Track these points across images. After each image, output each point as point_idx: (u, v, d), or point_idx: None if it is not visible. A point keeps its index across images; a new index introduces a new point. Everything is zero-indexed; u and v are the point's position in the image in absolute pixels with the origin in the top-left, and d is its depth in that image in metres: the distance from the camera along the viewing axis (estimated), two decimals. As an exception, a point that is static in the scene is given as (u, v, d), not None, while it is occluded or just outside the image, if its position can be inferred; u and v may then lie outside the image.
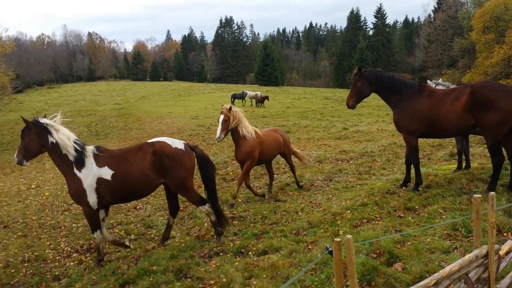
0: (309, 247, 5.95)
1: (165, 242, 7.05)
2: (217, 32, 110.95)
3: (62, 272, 6.33)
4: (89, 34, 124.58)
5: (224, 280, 5.10)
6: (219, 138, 8.53)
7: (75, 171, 6.15)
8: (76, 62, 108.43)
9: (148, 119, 31.09)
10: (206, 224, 7.75)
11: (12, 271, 6.47)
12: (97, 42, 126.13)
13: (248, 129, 9.03)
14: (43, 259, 6.94)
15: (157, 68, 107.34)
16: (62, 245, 7.51)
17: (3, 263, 6.92)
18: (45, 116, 6.30)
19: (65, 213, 9.66)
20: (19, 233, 8.35)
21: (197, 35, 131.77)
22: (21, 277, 6.29)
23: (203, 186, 7.25)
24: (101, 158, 6.33)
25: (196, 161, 6.92)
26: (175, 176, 6.50)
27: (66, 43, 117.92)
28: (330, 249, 3.90)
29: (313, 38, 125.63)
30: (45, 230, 8.38)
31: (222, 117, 8.58)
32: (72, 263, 6.69)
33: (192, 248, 6.40)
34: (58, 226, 8.67)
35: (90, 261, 6.65)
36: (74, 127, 28.57)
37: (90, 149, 6.36)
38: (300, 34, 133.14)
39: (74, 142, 6.22)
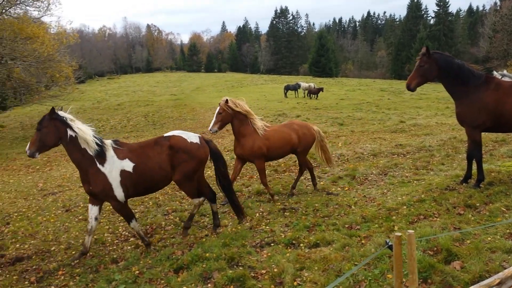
0: (363, 241, 5.84)
1: (216, 229, 7.20)
2: (271, 22, 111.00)
3: (120, 255, 6.60)
4: (148, 26, 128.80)
5: (275, 270, 5.11)
6: (210, 130, 8.20)
7: (98, 165, 6.10)
8: (135, 53, 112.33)
9: (202, 109, 31.65)
10: (257, 214, 7.80)
11: (73, 252, 6.82)
12: (155, 34, 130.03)
13: (257, 122, 8.66)
14: (102, 242, 7.26)
15: (212, 60, 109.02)
16: (120, 230, 7.82)
17: (65, 245, 7.31)
18: (61, 109, 6.26)
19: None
20: (80, 217, 8.77)
21: (252, 26, 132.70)
22: (81, 259, 6.63)
23: (217, 180, 7.47)
24: (120, 151, 6.33)
25: (210, 156, 7.06)
26: (185, 168, 6.63)
27: (126, 35, 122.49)
28: (390, 243, 3.79)
29: (370, 27, 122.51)
30: (104, 215, 8.75)
31: (217, 109, 8.25)
32: (129, 247, 6.95)
33: (244, 238, 6.45)
34: (117, 211, 9.03)
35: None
36: (132, 117, 29.72)
37: (108, 142, 6.34)
38: (357, 23, 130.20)
39: (93, 136, 6.12)
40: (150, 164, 6.42)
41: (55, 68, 27.67)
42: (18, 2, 25.17)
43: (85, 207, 9.48)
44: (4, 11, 23.51)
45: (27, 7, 26.12)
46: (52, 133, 5.90)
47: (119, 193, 6.22)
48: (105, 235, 7.61)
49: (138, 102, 38.96)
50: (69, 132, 5.95)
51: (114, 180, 6.14)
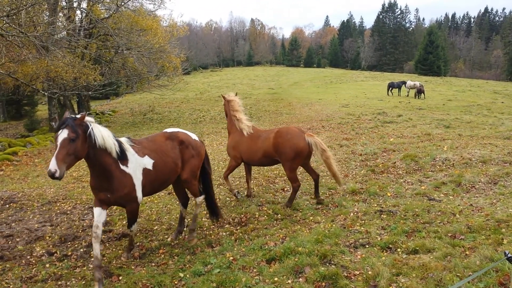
0: (467, 252, 5.44)
1: (178, 235, 7.10)
2: (378, 17, 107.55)
3: (215, 241, 6.87)
4: (252, 21, 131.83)
5: (370, 272, 4.96)
6: None
7: (123, 167, 5.53)
8: (238, 47, 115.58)
9: (299, 105, 31.66)
10: (352, 214, 7.63)
11: (173, 233, 7.24)
12: (258, 28, 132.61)
13: (242, 122, 8.75)
14: (200, 226, 7.63)
15: (312, 55, 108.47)
16: (216, 215, 8.14)
17: (166, 225, 7.81)
18: (72, 112, 5.97)
19: (220, 187, 10.43)
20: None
21: (356, 20, 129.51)
22: (180, 240, 7.01)
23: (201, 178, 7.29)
24: (138, 148, 5.91)
25: None
26: (192, 165, 6.61)
27: (230, 29, 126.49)
28: (509, 255, 3.48)
29: (486, 24, 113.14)
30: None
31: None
32: (224, 233, 7.21)
33: (337, 236, 6.35)
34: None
35: (240, 234, 7.08)
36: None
37: (124, 140, 5.79)
38: (472, 19, 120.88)
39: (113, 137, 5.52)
40: (167, 159, 6.20)
41: (165, 59, 29.47)
42: (136, -5, 27.13)
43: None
44: (122, 3, 25.48)
45: (143, 1, 28.07)
46: (83, 143, 5.00)
47: (139, 193, 5.77)
48: (203, 219, 7.98)
49: (237, 95, 40.05)
50: (95, 138, 5.15)
51: (137, 180, 5.72)
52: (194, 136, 6.87)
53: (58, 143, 4.77)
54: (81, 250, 6.69)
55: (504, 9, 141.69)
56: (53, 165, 4.61)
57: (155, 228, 7.69)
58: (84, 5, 27.39)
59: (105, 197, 5.51)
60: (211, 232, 7.34)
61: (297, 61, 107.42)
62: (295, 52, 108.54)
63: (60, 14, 24.53)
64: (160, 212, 8.58)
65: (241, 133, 8.84)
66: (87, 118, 5.17)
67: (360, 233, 6.52)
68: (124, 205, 5.76)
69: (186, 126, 24.45)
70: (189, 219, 7.63)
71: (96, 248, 5.38)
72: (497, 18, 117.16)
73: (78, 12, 27.43)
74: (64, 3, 25.60)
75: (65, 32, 22.77)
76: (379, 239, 6.17)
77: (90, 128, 5.10)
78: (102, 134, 5.24)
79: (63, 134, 4.79)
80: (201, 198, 7.05)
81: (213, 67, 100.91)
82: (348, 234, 6.55)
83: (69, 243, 7.04)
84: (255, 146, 8.57)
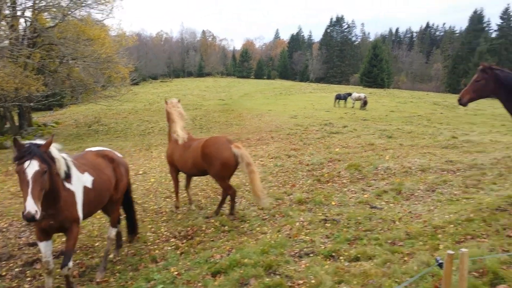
0: (405, 258, 5.66)
1: (118, 251, 6.94)
2: (325, 31, 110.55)
3: (160, 255, 6.75)
4: (203, 32, 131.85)
5: (313, 281, 5.05)
6: None
7: (67, 185, 5.01)
8: (189, 58, 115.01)
9: (249, 115, 31.89)
10: (297, 223, 7.74)
11: (114, 249, 7.04)
12: (210, 39, 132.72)
13: (176, 130, 8.73)
14: (144, 241, 7.46)
15: (262, 66, 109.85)
16: (162, 230, 8.00)
17: (109, 241, 7.59)
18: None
19: (167, 199, 10.27)
20: (125, 215, 9.05)
21: (305, 34, 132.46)
22: (123, 256, 6.83)
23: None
24: (77, 164, 5.38)
25: None
26: (124, 184, 6.49)
27: (181, 40, 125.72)
28: (440, 261, 3.66)
29: (428, 39, 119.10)
30: (148, 214, 9.00)
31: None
32: (169, 248, 7.10)
33: (283, 246, 6.42)
34: (160, 211, 9.26)
35: (186, 247, 7.00)
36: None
37: (65, 156, 5.15)
38: (414, 34, 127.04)
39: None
40: (104, 177, 5.79)
41: (113, 69, 28.86)
42: (84, 5, 26.46)
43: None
44: (69, 13, 24.78)
45: (91, 10, 27.41)
46: (51, 172, 4.60)
47: (81, 214, 5.22)
48: (147, 234, 7.81)
49: (187, 106, 39.81)
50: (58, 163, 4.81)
51: (80, 198, 5.16)
52: (119, 154, 6.71)
53: (29, 177, 4.19)
54: (16, 269, 6.35)
55: (444, 24, 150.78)
56: (31, 206, 4.06)
57: (96, 244, 7.44)
58: (28, 13, 26.39)
59: (48, 224, 4.89)
60: (156, 247, 7.21)
61: (248, 73, 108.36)
62: (246, 64, 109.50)
63: (3, 22, 23.47)
64: (102, 228, 8.32)
65: (177, 141, 8.73)
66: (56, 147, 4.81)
67: (305, 242, 6.63)
68: (67, 228, 5.06)
69: (133, 138, 23.96)
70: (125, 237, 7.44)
71: (49, 283, 5.08)
72: (437, 33, 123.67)
73: (22, 20, 26.37)
74: (7, 12, 24.53)
75: (7, 41, 21.81)
76: (323, 247, 6.30)
77: (56, 154, 4.73)
78: (58, 155, 4.83)
79: (33, 166, 4.25)
80: (114, 232, 6.54)
81: (163, 78, 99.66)
82: (293, 243, 6.64)
83: (3, 262, 6.68)
84: (186, 155, 8.47)
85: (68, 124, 34.07)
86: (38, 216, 4.10)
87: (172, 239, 7.52)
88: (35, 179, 4.21)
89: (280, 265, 5.67)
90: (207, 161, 8.07)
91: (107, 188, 5.86)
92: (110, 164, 6.11)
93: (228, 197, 8.65)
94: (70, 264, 5.11)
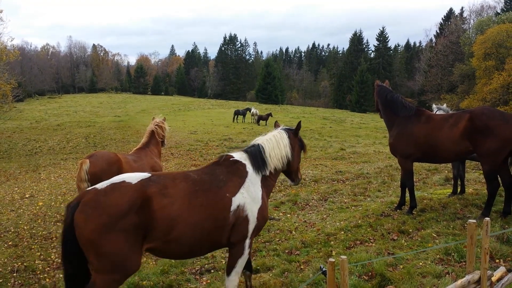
0: (302, 267, 5.92)
1: None
2: (220, 49, 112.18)
3: (51, 284, 6.26)
4: (94, 46, 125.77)
5: (213, 297, 5.06)
6: None
7: None
8: (79, 73, 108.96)
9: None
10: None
11: (0, 280, 6.39)
12: (101, 54, 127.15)
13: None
14: (33, 269, 6.87)
15: (159, 83, 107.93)
16: (52, 256, 7.43)
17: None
18: None
19: (58, 224, 9.57)
20: (10, 243, 8.27)
21: (201, 51, 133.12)
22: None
23: None
24: None
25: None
26: None
27: (70, 54, 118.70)
28: (324, 269, 3.89)
29: (315, 58, 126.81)
30: (36, 241, 8.31)
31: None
32: (61, 275, 6.60)
33: (184, 264, 6.34)
34: (50, 237, 8.60)
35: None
36: (72, 138, 28.62)
37: None
38: (303, 54, 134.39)
39: None
40: None
41: (-9, 85, 26.35)
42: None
43: (15, 232, 8.97)
44: None
45: (-35, 22, 24.83)
46: None
47: None
48: (36, 262, 7.21)
49: (79, 123, 37.66)
50: None
51: None
52: None
53: None
54: None
55: (328, 45, 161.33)
56: None
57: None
58: None
59: None
60: (46, 275, 6.67)
61: (144, 89, 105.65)
62: (142, 80, 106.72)
63: None
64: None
65: None
66: None
67: (206, 259, 6.61)
68: None
69: (19, 159, 21.98)
70: None
71: None
72: (323, 53, 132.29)
73: None
74: None
75: None
76: (223, 262, 6.34)
77: None
78: None
79: None
80: None
81: (51, 94, 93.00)
82: (194, 261, 6.58)
83: None
84: None
85: None
86: None
87: (64, 266, 7.02)
88: None
89: (181, 284, 5.60)
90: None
91: None
92: None
93: None
94: None
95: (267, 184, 4.74)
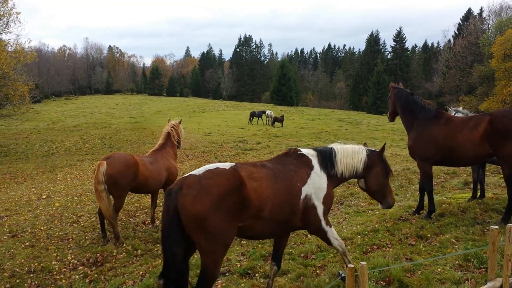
0: (317, 271, 5.85)
1: None
2: (235, 50, 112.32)
3: (67, 285, 6.30)
4: (110, 48, 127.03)
5: (229, 301, 5.01)
6: None
7: None
8: (95, 74, 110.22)
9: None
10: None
11: (17, 281, 6.46)
12: (117, 56, 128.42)
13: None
14: (49, 270, 6.92)
15: (174, 84, 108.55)
16: (68, 257, 7.49)
17: (9, 272, 6.91)
18: None
19: (74, 225, 9.65)
20: (27, 243, 8.35)
21: (216, 52, 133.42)
22: (25, 288, 6.28)
23: None
24: None
25: None
26: None
27: (86, 56, 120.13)
28: (342, 275, 3.82)
29: (330, 59, 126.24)
30: (53, 241, 8.38)
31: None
32: (77, 276, 6.65)
33: (199, 267, 6.30)
34: (66, 238, 8.67)
35: (96, 275, 6.60)
36: (88, 139, 28.94)
37: None
38: (318, 55, 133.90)
39: None
40: None
41: (10, 86, 26.83)
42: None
43: (32, 233, 9.06)
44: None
45: (-15, 25, 25.34)
46: None
47: None
48: (53, 262, 7.27)
49: (95, 124, 38.05)
50: None
51: None
52: None
53: None
54: None
55: (344, 45, 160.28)
56: None
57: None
58: None
59: None
60: (62, 276, 6.71)
61: (160, 90, 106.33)
62: (157, 81, 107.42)
63: None
64: (1, 258, 7.57)
65: None
66: None
67: (223, 261, 6.57)
68: None
69: (36, 159, 22.30)
70: None
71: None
72: (339, 54, 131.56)
73: None
74: None
75: None
76: (239, 265, 6.30)
77: None
78: None
79: None
80: None
81: (67, 95, 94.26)
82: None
83: None
84: None
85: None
86: None
87: (80, 267, 7.06)
88: None
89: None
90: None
91: None
92: None
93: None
94: None
95: (332, 181, 5.11)
